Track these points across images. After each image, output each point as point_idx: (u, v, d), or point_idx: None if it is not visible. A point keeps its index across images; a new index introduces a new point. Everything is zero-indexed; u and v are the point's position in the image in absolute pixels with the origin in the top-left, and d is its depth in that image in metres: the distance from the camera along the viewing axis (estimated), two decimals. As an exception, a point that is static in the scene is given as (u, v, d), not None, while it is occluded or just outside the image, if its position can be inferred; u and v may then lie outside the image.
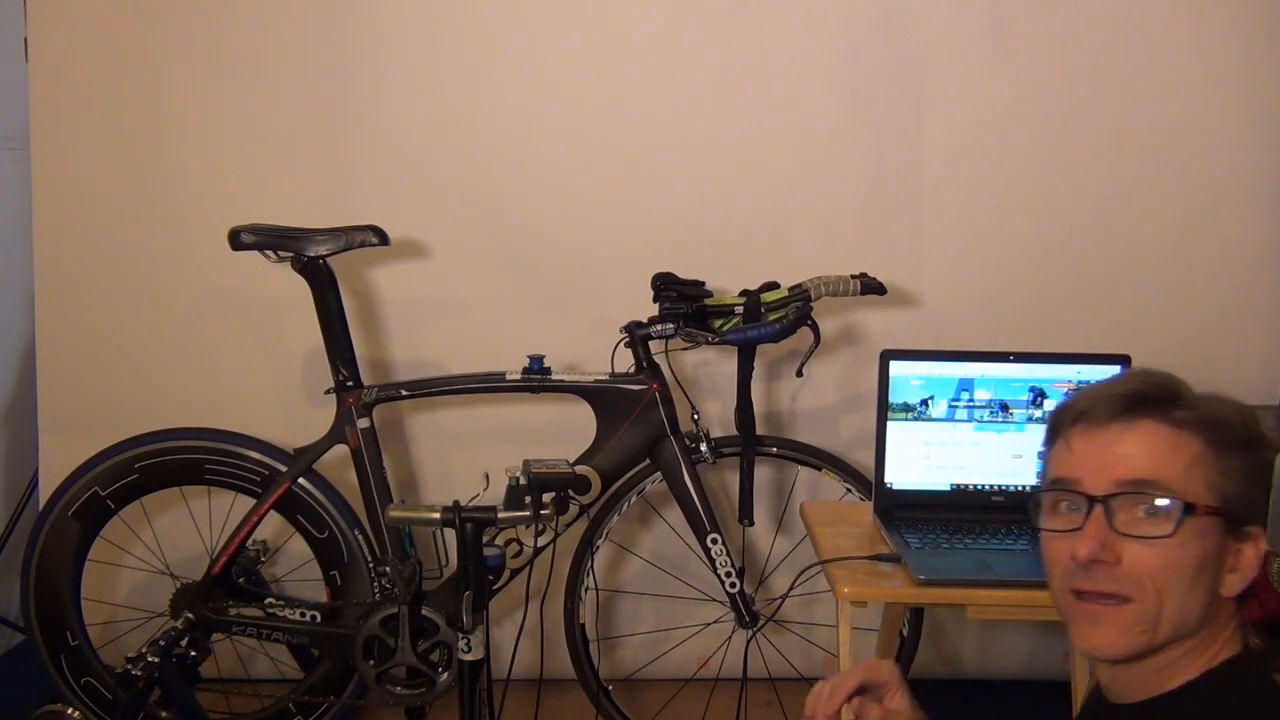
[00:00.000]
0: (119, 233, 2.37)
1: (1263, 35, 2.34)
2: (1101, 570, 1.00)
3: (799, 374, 2.10)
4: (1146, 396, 1.03)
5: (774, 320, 2.04)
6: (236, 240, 2.04)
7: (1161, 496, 1.00)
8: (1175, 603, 1.00)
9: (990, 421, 1.98)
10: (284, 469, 2.12)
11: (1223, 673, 1.03)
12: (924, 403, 2.03)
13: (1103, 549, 1.00)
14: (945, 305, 2.41)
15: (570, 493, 1.92)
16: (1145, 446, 1.02)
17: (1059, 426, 1.09)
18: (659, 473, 2.14)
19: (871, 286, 2.08)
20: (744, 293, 2.10)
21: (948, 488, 1.97)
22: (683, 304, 2.06)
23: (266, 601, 2.11)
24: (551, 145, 2.37)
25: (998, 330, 2.37)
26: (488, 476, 1.73)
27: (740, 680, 2.22)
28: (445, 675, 1.98)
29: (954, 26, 2.33)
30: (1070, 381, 2.10)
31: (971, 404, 2.10)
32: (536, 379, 2.08)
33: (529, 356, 2.09)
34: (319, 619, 2.09)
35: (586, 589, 2.24)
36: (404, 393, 2.14)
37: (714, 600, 2.25)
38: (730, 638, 2.28)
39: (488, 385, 2.12)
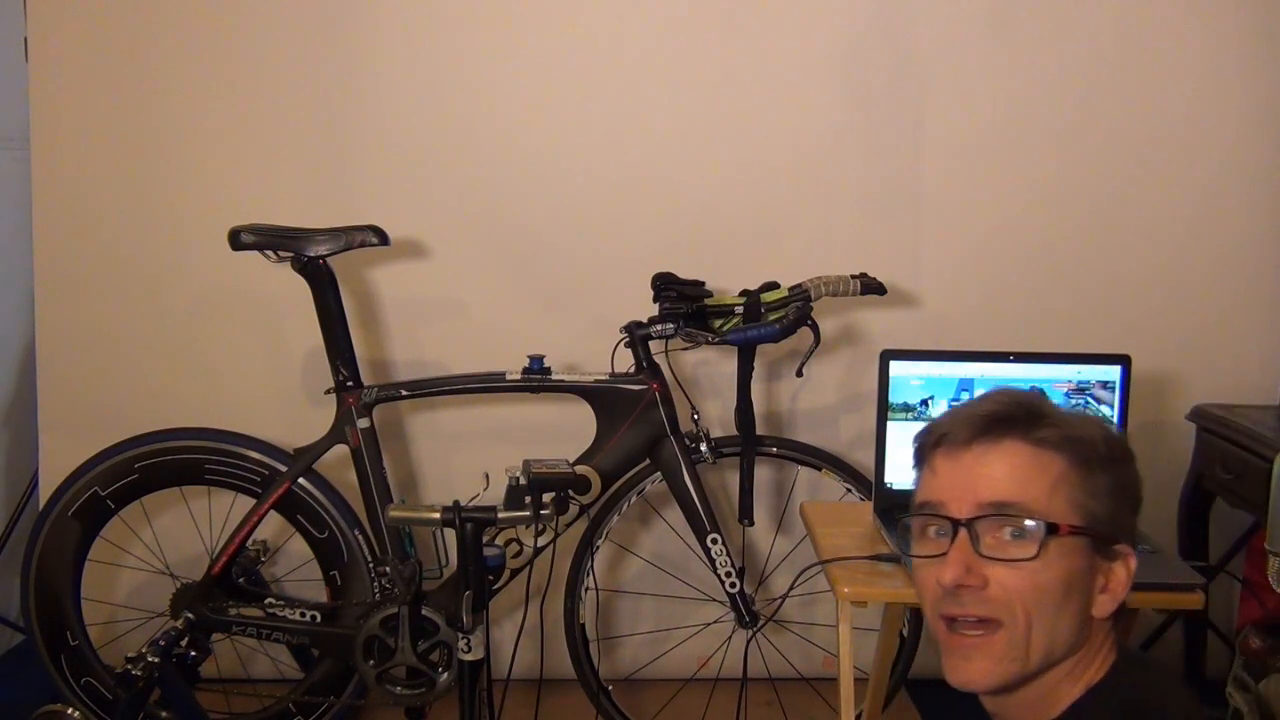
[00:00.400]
0: (119, 233, 2.37)
1: (1262, 36, 2.34)
2: (969, 594, 1.00)
3: (799, 374, 2.10)
4: (1008, 416, 1.03)
5: (774, 320, 2.04)
6: (236, 240, 2.04)
7: (1024, 518, 0.99)
8: (1044, 625, 0.99)
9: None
10: (284, 469, 2.12)
11: (1103, 686, 1.02)
12: (924, 403, 2.03)
13: (968, 573, 0.99)
14: (945, 305, 2.41)
15: (570, 493, 1.92)
16: (1007, 467, 1.01)
17: (923, 450, 1.08)
18: (659, 473, 2.14)
19: (871, 286, 2.08)
20: (744, 293, 2.10)
21: (948, 488, 1.96)
22: (683, 304, 2.06)
23: (266, 601, 2.11)
24: (552, 145, 2.37)
25: (998, 330, 2.37)
26: (488, 476, 1.74)
27: (740, 680, 2.22)
28: (445, 675, 1.98)
29: (954, 27, 2.33)
30: (1070, 381, 2.10)
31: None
32: (536, 379, 2.08)
33: (529, 356, 2.09)
34: (319, 619, 2.09)
35: (586, 589, 2.23)
36: (404, 393, 2.14)
37: (714, 600, 2.25)
38: (730, 638, 2.28)
39: (488, 385, 2.12)
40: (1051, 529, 0.98)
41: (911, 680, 2.28)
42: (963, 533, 1.00)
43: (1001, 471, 1.01)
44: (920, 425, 1.96)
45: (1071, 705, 1.01)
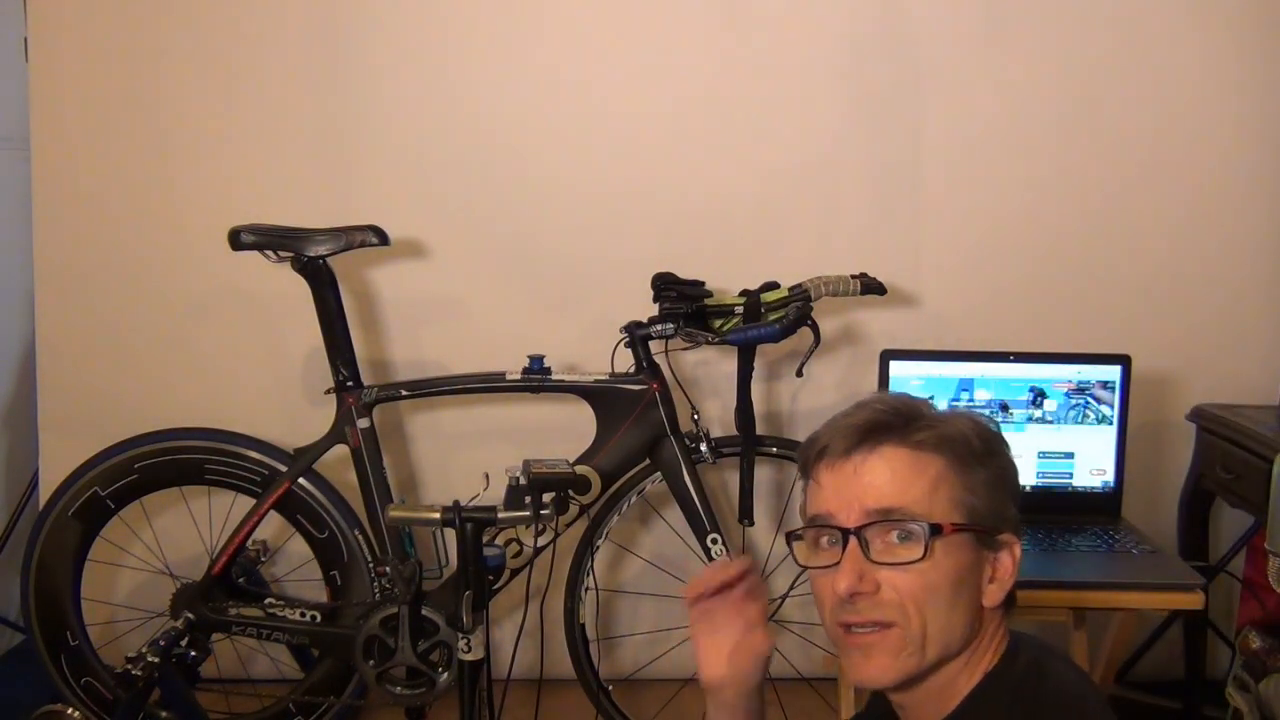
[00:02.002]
0: (119, 233, 2.37)
1: (1262, 35, 2.34)
2: (863, 601, 1.03)
3: (799, 374, 2.10)
4: (883, 423, 1.06)
5: (774, 320, 2.04)
6: (236, 240, 2.04)
7: (908, 521, 1.02)
8: (939, 622, 1.02)
9: (998, 423, 1.98)
10: (284, 469, 2.12)
11: (998, 671, 1.06)
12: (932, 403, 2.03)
13: (860, 580, 1.02)
14: (945, 305, 2.41)
15: (570, 493, 1.92)
16: (888, 473, 1.04)
17: (806, 464, 1.11)
18: (659, 473, 2.14)
19: (871, 286, 2.07)
20: (744, 293, 2.10)
21: (948, 488, 1.96)
22: (683, 304, 2.06)
23: (266, 601, 2.11)
24: (552, 145, 2.37)
25: (998, 330, 2.37)
26: (488, 476, 1.73)
27: (740, 680, 2.22)
28: (445, 675, 1.98)
29: (954, 27, 2.33)
30: (1070, 381, 2.10)
31: (972, 404, 2.11)
32: (536, 379, 2.08)
33: (529, 356, 2.09)
34: (319, 619, 2.09)
35: (586, 589, 2.23)
36: (404, 393, 2.14)
37: (714, 600, 2.25)
38: (730, 638, 2.28)
39: (488, 385, 2.12)
40: (935, 529, 1.02)
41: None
42: (853, 541, 1.04)
43: (883, 478, 1.04)
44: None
45: (970, 693, 1.05)
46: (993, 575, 1.06)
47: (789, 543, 1.12)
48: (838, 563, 1.04)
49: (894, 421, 1.06)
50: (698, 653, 1.17)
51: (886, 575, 1.02)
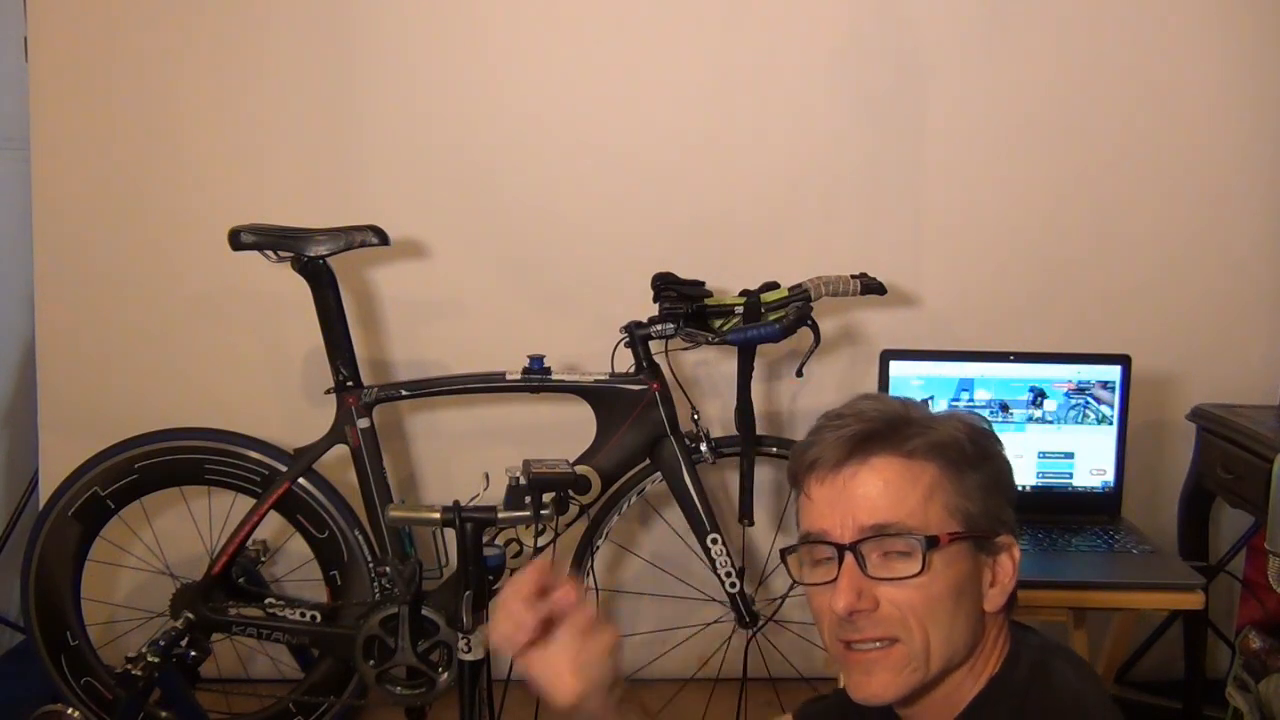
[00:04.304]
0: (119, 233, 2.37)
1: (1263, 35, 2.34)
2: (863, 618, 1.00)
3: (799, 374, 2.10)
4: (873, 432, 1.03)
5: (774, 320, 2.04)
6: (236, 240, 2.04)
7: (904, 536, 0.99)
8: (941, 634, 1.00)
9: (990, 421, 1.98)
10: (284, 469, 2.12)
11: (1002, 675, 1.04)
12: (924, 403, 2.03)
13: (860, 598, 1.00)
14: (945, 305, 2.41)
15: (570, 493, 1.92)
16: (880, 485, 1.01)
17: (795, 476, 1.08)
18: (659, 473, 2.14)
19: (871, 286, 2.07)
20: (744, 293, 2.10)
21: (948, 488, 1.96)
22: (683, 304, 2.06)
23: (266, 601, 2.11)
24: (552, 145, 2.37)
25: (998, 330, 2.37)
26: (488, 476, 1.73)
27: (740, 680, 2.22)
28: (445, 675, 1.98)
29: (955, 27, 2.33)
30: (1070, 381, 2.10)
31: (972, 404, 2.11)
32: (536, 379, 2.08)
33: (529, 356, 2.09)
34: (319, 619, 2.09)
35: (586, 589, 2.23)
36: (404, 393, 2.14)
37: (714, 600, 2.25)
38: (730, 638, 2.28)
39: (488, 385, 2.12)
40: (932, 542, 0.99)
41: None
42: (849, 557, 1.01)
43: (875, 490, 1.01)
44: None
45: (973, 700, 1.03)
46: (993, 579, 1.04)
47: (784, 559, 1.09)
48: (835, 579, 1.01)
49: (884, 430, 1.03)
50: (540, 682, 0.98)
51: (886, 591, 1.00)
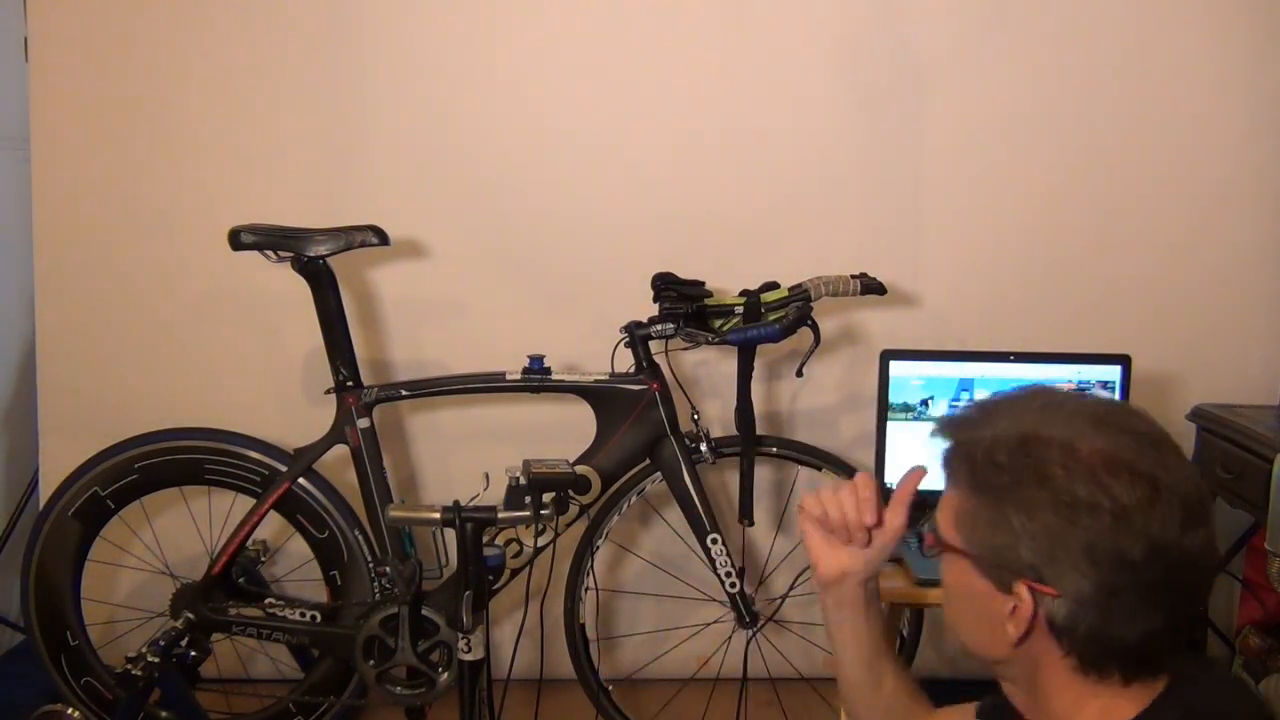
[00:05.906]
0: (119, 233, 2.37)
1: (1264, 36, 2.34)
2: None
3: (799, 374, 2.10)
4: (956, 420, 1.01)
5: (774, 320, 2.04)
6: (236, 240, 2.04)
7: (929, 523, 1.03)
8: (960, 626, 1.03)
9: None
10: (284, 469, 2.12)
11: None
12: (924, 403, 2.03)
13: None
14: (945, 305, 2.41)
15: (570, 493, 1.92)
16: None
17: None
18: (659, 473, 2.14)
19: (871, 286, 2.07)
20: (744, 293, 2.10)
21: (948, 488, 1.96)
22: (683, 304, 2.06)
23: (266, 601, 2.11)
24: (552, 145, 2.37)
25: (998, 330, 2.37)
26: (488, 476, 1.73)
27: (740, 680, 2.22)
28: (445, 675, 1.98)
29: (955, 27, 2.33)
30: (1070, 381, 2.10)
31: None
32: (536, 379, 2.08)
33: (529, 356, 2.09)
34: (319, 619, 2.09)
35: (586, 589, 2.23)
36: (404, 393, 2.14)
37: (714, 600, 2.25)
38: (730, 638, 2.28)
39: (488, 385, 2.12)
40: (936, 537, 1.01)
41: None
42: None
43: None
44: (920, 425, 1.98)
45: None
46: (1013, 612, 0.92)
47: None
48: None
49: (962, 417, 1.00)
50: (811, 552, 1.14)
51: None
